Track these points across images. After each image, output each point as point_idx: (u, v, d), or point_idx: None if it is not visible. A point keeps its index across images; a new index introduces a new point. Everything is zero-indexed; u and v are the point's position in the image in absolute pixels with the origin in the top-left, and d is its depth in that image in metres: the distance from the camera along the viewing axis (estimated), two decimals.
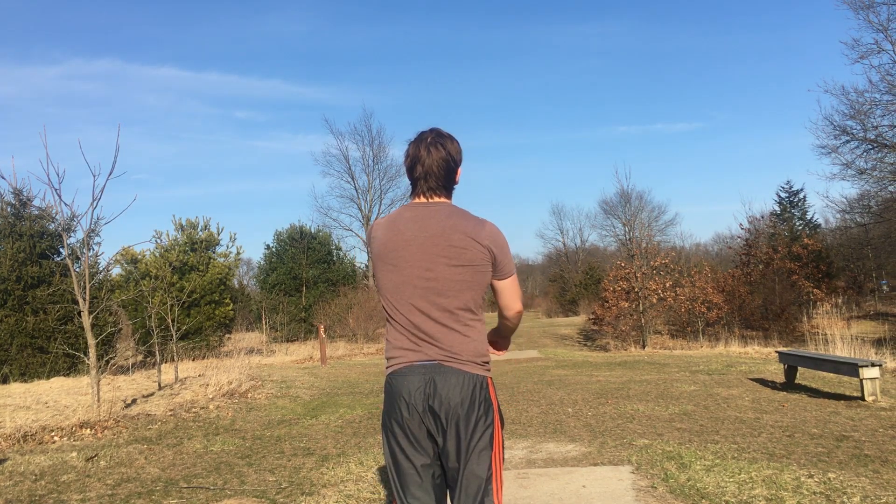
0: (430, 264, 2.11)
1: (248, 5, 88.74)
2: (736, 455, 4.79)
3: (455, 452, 2.08)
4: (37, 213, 14.41)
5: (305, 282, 30.98)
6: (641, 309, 20.14)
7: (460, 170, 2.28)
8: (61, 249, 14.71)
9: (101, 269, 14.13)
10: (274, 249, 32.29)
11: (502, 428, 2.21)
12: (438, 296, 2.11)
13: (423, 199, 2.20)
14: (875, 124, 21.25)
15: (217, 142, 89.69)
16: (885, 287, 36.70)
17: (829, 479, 4.08)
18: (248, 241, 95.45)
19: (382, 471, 4.82)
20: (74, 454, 5.61)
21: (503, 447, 2.21)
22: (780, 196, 38.16)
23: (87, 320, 7.55)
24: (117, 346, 16.07)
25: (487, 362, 2.19)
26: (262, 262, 33.29)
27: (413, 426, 2.13)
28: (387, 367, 2.23)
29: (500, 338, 2.47)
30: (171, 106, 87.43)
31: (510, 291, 2.27)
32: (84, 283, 7.88)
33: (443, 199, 2.21)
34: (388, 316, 2.23)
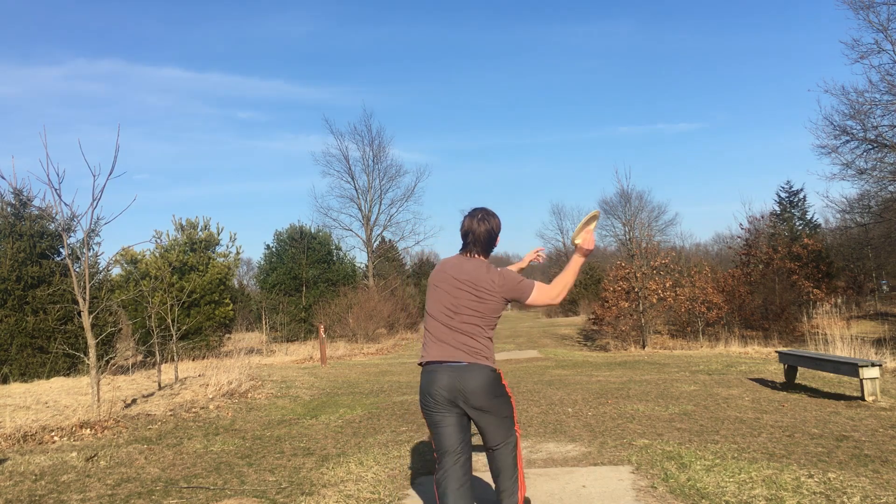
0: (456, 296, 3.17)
1: (250, 6, 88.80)
2: (736, 455, 4.79)
3: None
4: (37, 213, 14.41)
5: (305, 282, 30.98)
6: (641, 309, 20.14)
7: (499, 237, 3.29)
8: (61, 249, 14.71)
9: (101, 269, 14.15)
10: (274, 249, 32.28)
11: None
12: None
13: (467, 255, 3.24)
14: (875, 124, 21.26)
15: (218, 142, 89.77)
16: (885, 287, 36.69)
17: (829, 479, 4.08)
18: (248, 241, 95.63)
19: (382, 470, 4.82)
20: (74, 454, 5.61)
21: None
22: (780, 196, 38.17)
23: (87, 320, 7.55)
24: (117, 346, 16.08)
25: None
26: (261, 262, 33.31)
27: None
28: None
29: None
30: (173, 106, 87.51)
31: (541, 296, 3.19)
32: (84, 283, 7.88)
33: (480, 258, 3.23)
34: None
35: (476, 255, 3.22)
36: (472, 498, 3.10)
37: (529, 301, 3.16)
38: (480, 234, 3.19)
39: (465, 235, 3.24)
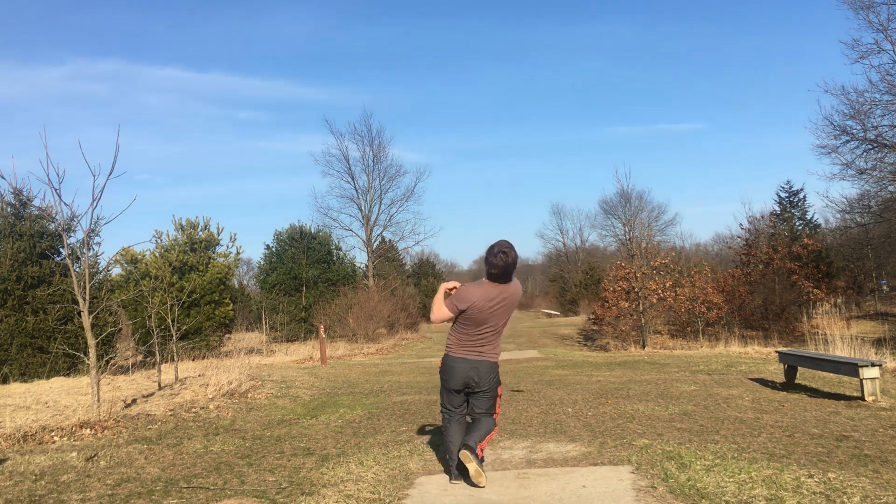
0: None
1: (250, 7, 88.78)
2: (736, 455, 4.79)
3: None
4: (37, 213, 14.40)
5: (305, 282, 30.97)
6: (641, 309, 20.14)
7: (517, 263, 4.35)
8: (61, 249, 14.71)
9: (101, 269, 14.14)
10: (274, 249, 32.26)
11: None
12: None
13: (494, 283, 4.35)
14: (875, 124, 21.26)
15: (219, 142, 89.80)
16: (885, 287, 36.69)
17: (829, 479, 4.08)
18: (248, 241, 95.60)
19: (382, 470, 4.82)
20: (74, 454, 5.61)
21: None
22: (780, 196, 38.20)
23: (87, 320, 7.55)
24: (117, 346, 16.07)
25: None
26: (261, 262, 33.28)
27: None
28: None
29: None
30: (173, 106, 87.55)
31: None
32: (84, 283, 7.88)
33: (504, 284, 4.36)
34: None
35: (502, 284, 4.37)
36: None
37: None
38: (503, 266, 4.29)
39: (490, 267, 4.34)
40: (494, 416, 4.48)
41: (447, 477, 4.46)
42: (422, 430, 6.40)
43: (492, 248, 4.31)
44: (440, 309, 4.39)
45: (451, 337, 4.46)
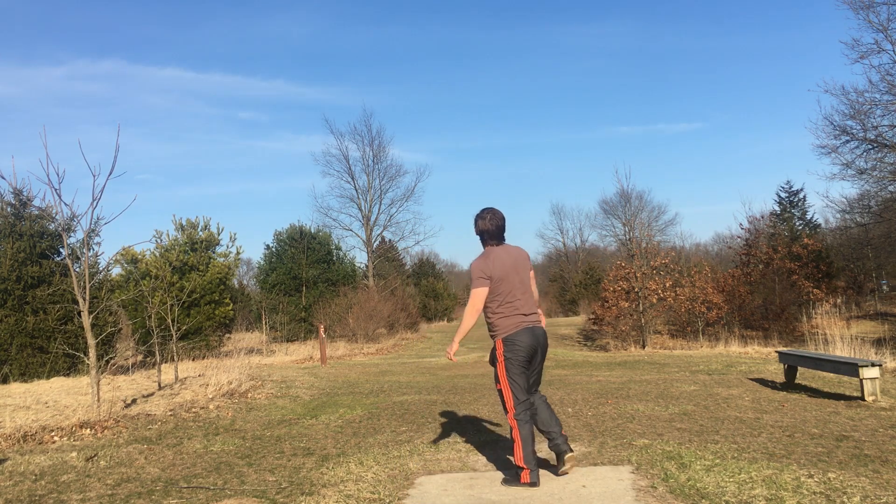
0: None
1: (251, 7, 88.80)
2: (736, 455, 4.79)
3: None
4: (37, 213, 14.40)
5: (305, 282, 30.97)
6: (641, 309, 20.14)
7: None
8: (61, 249, 14.71)
9: (101, 269, 14.13)
10: (274, 249, 32.26)
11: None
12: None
13: (493, 245, 4.37)
14: (875, 124, 21.26)
15: (219, 142, 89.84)
16: (885, 287, 36.70)
17: (829, 478, 4.08)
18: (248, 241, 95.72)
19: (382, 470, 4.82)
20: (74, 454, 5.61)
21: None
22: (780, 196, 38.21)
23: (87, 320, 7.55)
24: (117, 346, 16.07)
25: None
26: (261, 262, 33.28)
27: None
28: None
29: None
30: (173, 106, 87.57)
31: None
32: (84, 282, 7.88)
33: (503, 244, 4.41)
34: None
35: (497, 243, 4.41)
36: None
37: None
38: (493, 229, 4.36)
39: (481, 234, 4.40)
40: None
41: (447, 477, 4.46)
42: (422, 431, 6.40)
43: (475, 218, 4.40)
44: (472, 307, 4.26)
45: (496, 321, 4.26)
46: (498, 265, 4.24)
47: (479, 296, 4.24)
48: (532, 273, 4.43)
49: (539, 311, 4.40)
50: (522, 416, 4.16)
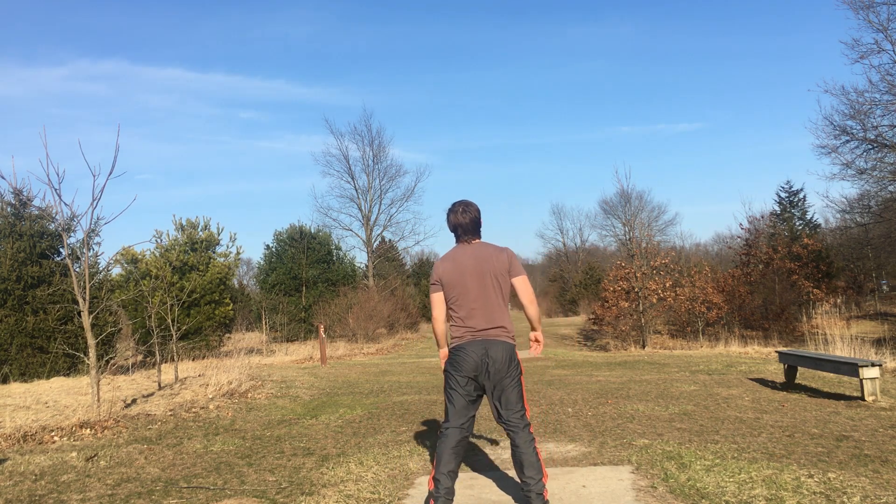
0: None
1: (251, 7, 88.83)
2: (736, 455, 4.79)
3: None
4: (37, 213, 14.40)
5: (305, 282, 30.97)
6: (641, 309, 20.14)
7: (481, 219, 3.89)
8: (61, 249, 14.71)
9: (101, 269, 14.13)
10: (274, 249, 32.27)
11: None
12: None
13: (464, 243, 3.81)
14: (875, 124, 21.28)
15: (219, 142, 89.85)
16: (885, 287, 36.71)
17: (829, 478, 4.08)
18: (248, 241, 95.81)
19: (382, 470, 4.82)
20: (74, 454, 5.61)
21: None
22: (780, 196, 38.19)
23: (87, 320, 7.55)
24: (117, 346, 16.07)
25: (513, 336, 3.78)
26: (261, 262, 33.31)
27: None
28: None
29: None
30: (174, 106, 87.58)
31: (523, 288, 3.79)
32: (84, 282, 7.88)
33: (476, 240, 3.84)
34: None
35: (472, 239, 3.83)
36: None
37: (520, 280, 3.77)
38: (466, 223, 3.80)
39: (454, 229, 3.84)
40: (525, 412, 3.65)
41: None
42: (421, 430, 6.40)
43: (447, 212, 3.87)
44: (432, 313, 3.87)
45: (451, 329, 3.84)
46: (449, 269, 3.72)
47: (433, 301, 3.79)
48: (521, 278, 3.75)
49: (505, 324, 3.69)
50: (443, 434, 3.63)
